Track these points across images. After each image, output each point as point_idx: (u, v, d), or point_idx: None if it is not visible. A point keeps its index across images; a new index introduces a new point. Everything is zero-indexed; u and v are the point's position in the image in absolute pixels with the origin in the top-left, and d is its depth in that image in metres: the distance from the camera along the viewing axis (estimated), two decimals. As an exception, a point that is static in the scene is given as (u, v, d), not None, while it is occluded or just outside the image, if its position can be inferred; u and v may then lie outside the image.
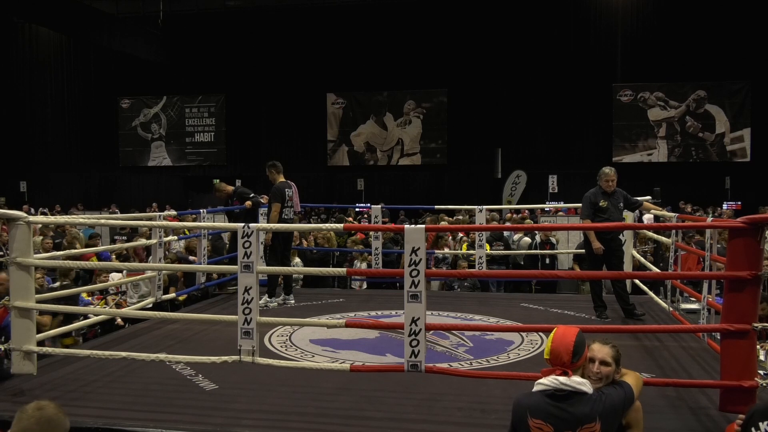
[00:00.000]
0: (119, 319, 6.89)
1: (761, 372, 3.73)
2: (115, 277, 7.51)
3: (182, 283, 8.12)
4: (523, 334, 5.76)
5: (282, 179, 7.47)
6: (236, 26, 24.17)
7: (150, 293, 7.53)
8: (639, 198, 7.18)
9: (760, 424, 2.66)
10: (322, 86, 23.91)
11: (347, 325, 4.45)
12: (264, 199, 8.42)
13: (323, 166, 24.26)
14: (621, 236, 7.04)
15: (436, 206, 10.36)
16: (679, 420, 3.87)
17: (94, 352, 4.70)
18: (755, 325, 3.62)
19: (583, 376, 2.92)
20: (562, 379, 2.59)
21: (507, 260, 9.80)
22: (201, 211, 8.70)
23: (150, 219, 7.89)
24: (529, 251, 9.87)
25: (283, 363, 4.52)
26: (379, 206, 9.63)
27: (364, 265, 9.56)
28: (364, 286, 9.70)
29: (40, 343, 4.65)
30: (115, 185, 25.84)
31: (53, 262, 6.05)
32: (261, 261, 6.41)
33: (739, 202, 20.57)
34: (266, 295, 7.22)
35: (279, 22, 23.75)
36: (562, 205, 15.62)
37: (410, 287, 3.95)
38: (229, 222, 8.64)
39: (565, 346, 2.66)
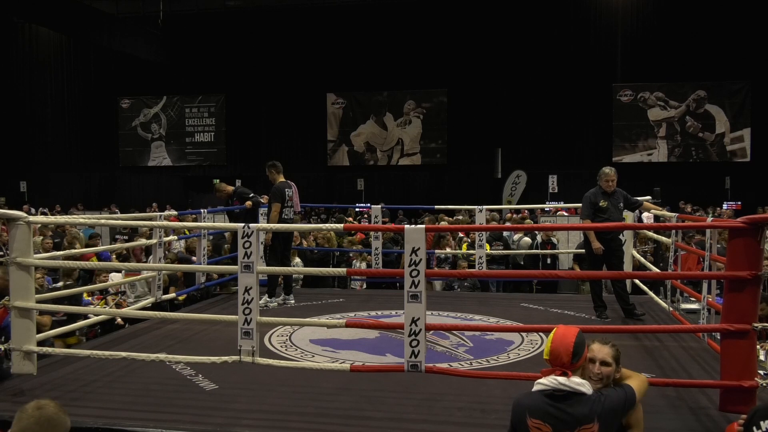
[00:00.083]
0: (119, 319, 6.89)
1: (761, 372, 3.73)
2: (114, 277, 7.51)
3: (182, 283, 8.12)
4: (523, 334, 5.76)
5: (282, 179, 7.47)
6: (236, 26, 24.18)
7: (146, 293, 7.56)
8: (639, 198, 7.18)
9: (762, 423, 2.66)
10: (322, 86, 23.91)
11: (347, 325, 4.45)
12: (264, 199, 8.42)
13: (323, 166, 24.26)
14: (621, 236, 7.04)
15: (436, 206, 10.36)
16: (679, 420, 3.87)
17: (94, 352, 4.70)
18: (755, 325, 3.62)
19: (583, 377, 2.93)
20: (561, 379, 2.59)
21: (507, 260, 9.80)
22: (201, 211, 8.70)
23: (150, 219, 7.89)
24: (529, 251, 9.88)
25: (283, 363, 4.52)
26: (379, 206, 9.63)
27: (363, 265, 9.56)
28: (364, 286, 9.70)
29: (41, 343, 4.65)
30: (115, 185, 25.84)
31: (53, 262, 6.05)
32: (261, 261, 6.41)
33: (739, 202, 20.57)
34: (266, 295, 7.22)
35: (279, 22, 23.75)
36: (562, 205, 15.62)
37: (410, 287, 3.95)
38: (230, 222, 8.64)
39: (565, 347, 2.66)
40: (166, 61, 24.15)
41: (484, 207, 8.79)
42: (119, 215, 13.58)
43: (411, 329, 3.96)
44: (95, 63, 25.78)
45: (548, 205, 17.22)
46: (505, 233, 10.04)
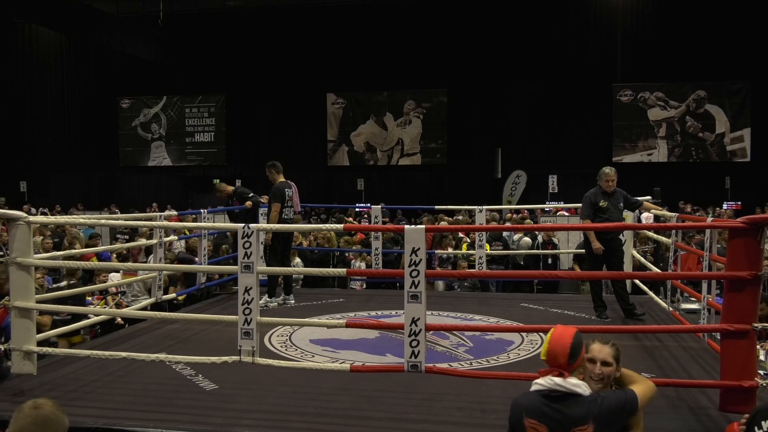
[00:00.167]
0: (119, 319, 6.89)
1: (761, 372, 3.74)
2: (114, 277, 7.51)
3: (182, 283, 8.12)
4: (523, 334, 5.76)
5: (282, 179, 7.47)
6: (236, 26, 24.18)
7: (143, 293, 7.57)
8: (639, 198, 7.18)
9: (763, 423, 2.67)
10: (322, 86, 23.91)
11: (347, 325, 4.45)
12: (264, 199, 8.42)
13: (323, 166, 24.26)
14: (621, 236, 7.04)
15: (436, 206, 10.36)
16: (679, 420, 3.87)
17: (94, 352, 4.70)
18: (755, 325, 3.62)
19: (584, 377, 2.92)
20: (558, 380, 2.58)
21: (507, 260, 9.80)
22: (201, 211, 8.70)
23: (150, 219, 7.89)
24: (529, 251, 9.87)
25: (283, 363, 4.52)
26: (379, 206, 9.64)
27: (362, 265, 9.56)
28: (364, 285, 9.70)
29: (41, 343, 4.65)
30: (115, 185, 25.84)
31: (53, 262, 6.05)
32: (261, 261, 6.41)
33: (739, 202, 20.57)
34: (266, 295, 7.22)
35: (279, 22, 23.75)
36: (562, 205, 15.61)
37: (410, 287, 3.95)
38: (230, 222, 8.64)
39: (562, 347, 2.64)
40: (166, 61, 24.15)
41: (484, 207, 8.80)
42: (119, 215, 13.58)
43: (411, 329, 3.96)
44: (95, 63, 25.78)
45: (548, 205, 17.21)
46: (504, 233, 10.04)
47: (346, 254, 10.06)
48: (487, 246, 8.93)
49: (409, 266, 3.96)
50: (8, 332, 4.48)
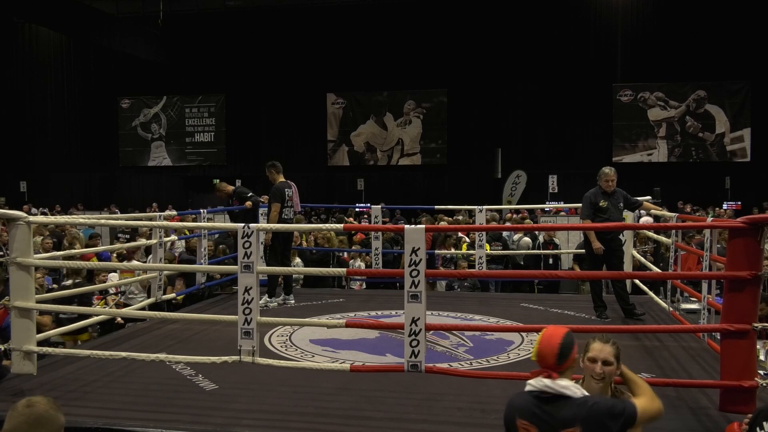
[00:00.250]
0: (119, 319, 6.90)
1: (761, 372, 3.74)
2: (114, 277, 7.51)
3: (183, 283, 8.11)
4: (523, 334, 5.76)
5: (282, 179, 7.47)
6: (236, 26, 24.17)
7: (141, 292, 7.57)
8: (639, 198, 7.18)
9: (765, 424, 2.67)
10: (322, 86, 23.91)
11: (347, 325, 4.46)
12: (264, 199, 8.42)
13: (323, 166, 24.26)
14: (621, 236, 7.04)
15: (436, 206, 10.36)
16: (679, 420, 3.87)
17: (94, 352, 4.70)
18: (755, 325, 3.62)
19: (585, 376, 2.92)
20: (547, 381, 2.55)
21: (506, 260, 9.79)
22: (201, 211, 8.69)
23: (150, 219, 7.89)
24: (529, 251, 9.87)
25: (283, 363, 4.52)
26: (380, 206, 9.63)
27: (362, 265, 9.55)
28: (363, 285, 9.70)
29: (41, 343, 4.65)
30: (115, 185, 25.84)
31: (53, 262, 6.05)
32: (261, 261, 6.41)
33: (739, 202, 20.56)
34: (266, 295, 7.22)
35: (279, 22, 23.75)
36: (563, 205, 15.61)
37: (410, 287, 3.95)
38: (231, 222, 8.63)
39: (551, 348, 2.60)
40: (166, 61, 24.15)
41: (484, 207, 8.79)
42: (119, 215, 13.57)
43: (411, 329, 3.96)
44: (95, 63, 25.77)
45: (548, 205, 17.21)
46: (504, 233, 10.04)
47: (340, 254, 10.03)
48: (487, 246, 8.93)
49: (409, 266, 3.96)
50: (8, 332, 4.48)
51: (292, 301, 7.52)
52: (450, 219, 12.24)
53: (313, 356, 5.21)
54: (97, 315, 6.10)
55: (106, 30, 21.41)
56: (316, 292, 8.47)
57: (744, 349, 3.64)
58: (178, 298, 7.64)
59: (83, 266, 6.63)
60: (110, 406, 4.15)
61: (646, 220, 8.26)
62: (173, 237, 7.82)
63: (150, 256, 7.34)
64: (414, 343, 3.97)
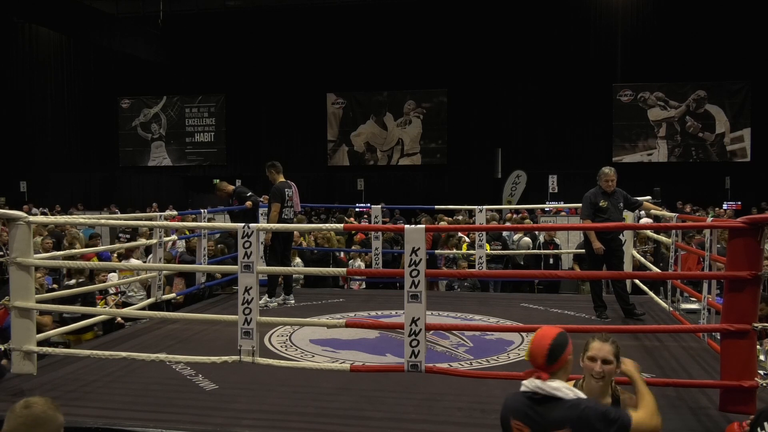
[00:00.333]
0: (119, 319, 6.89)
1: (761, 372, 3.73)
2: (114, 277, 7.51)
3: (183, 283, 8.10)
4: (523, 334, 5.75)
5: (282, 179, 7.47)
6: (236, 26, 24.17)
7: (140, 291, 7.58)
8: (639, 198, 7.18)
9: (766, 424, 2.67)
10: (322, 86, 23.91)
11: (347, 325, 4.46)
12: (264, 199, 8.41)
13: (323, 166, 24.26)
14: (621, 236, 7.04)
15: (436, 206, 10.35)
16: (679, 420, 3.87)
17: (94, 352, 4.70)
18: (755, 325, 3.62)
19: (585, 376, 2.92)
20: (538, 382, 2.54)
21: (506, 260, 9.79)
22: (201, 211, 8.69)
23: (150, 219, 7.89)
24: (529, 251, 9.87)
25: (283, 363, 4.52)
26: (380, 206, 9.63)
27: (362, 265, 9.55)
28: (363, 285, 9.69)
29: (41, 343, 4.65)
30: (115, 185, 25.84)
31: (53, 262, 6.05)
32: (261, 261, 6.41)
33: (739, 202, 20.56)
34: (266, 295, 7.22)
35: (279, 22, 23.75)
36: (563, 205, 15.61)
37: (410, 287, 3.95)
38: (231, 221, 8.63)
39: (541, 349, 2.58)
40: (166, 61, 24.14)
41: (484, 207, 8.80)
42: (119, 215, 13.57)
43: (411, 329, 3.96)
44: (95, 63, 25.77)
45: (548, 205, 17.21)
46: (504, 233, 10.04)
47: (338, 254, 10.03)
48: (487, 246, 8.94)
49: (409, 266, 3.96)
50: (9, 333, 4.48)
51: (292, 301, 7.52)
52: (450, 219, 12.24)
53: (313, 356, 5.21)
54: (97, 315, 6.10)
55: (106, 30, 21.41)
56: (316, 292, 8.47)
57: (744, 349, 3.64)
58: (178, 298, 7.65)
59: (83, 266, 6.63)
60: (110, 406, 4.15)
61: (646, 220, 8.26)
62: (173, 237, 7.82)
63: (150, 256, 7.34)
64: (414, 343, 3.97)
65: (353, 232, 10.66)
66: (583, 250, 7.24)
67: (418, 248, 3.95)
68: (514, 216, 13.50)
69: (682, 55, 21.15)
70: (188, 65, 24.59)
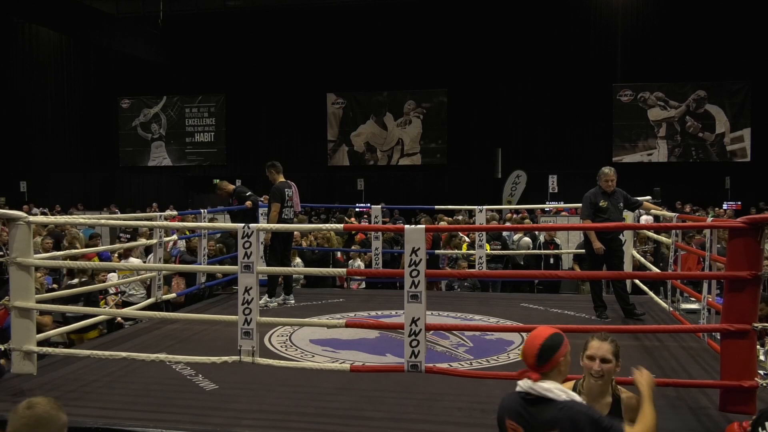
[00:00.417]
0: (119, 318, 6.90)
1: (761, 372, 3.73)
2: (113, 277, 7.51)
3: (183, 283, 8.10)
4: (523, 334, 5.73)
5: (282, 179, 7.46)
6: (236, 26, 24.17)
7: (140, 292, 7.58)
8: (639, 198, 7.18)
9: (767, 424, 2.67)
10: (322, 86, 23.91)
11: (347, 325, 4.45)
12: (264, 199, 8.41)
13: (323, 166, 24.26)
14: (621, 236, 7.04)
15: (436, 206, 10.34)
16: (679, 420, 3.87)
17: (94, 352, 4.70)
18: (755, 325, 3.62)
19: (584, 375, 2.91)
20: (529, 383, 2.54)
21: (506, 260, 9.79)
22: (201, 211, 8.69)
23: (150, 219, 7.89)
24: (529, 251, 9.87)
25: (283, 363, 4.52)
26: (380, 206, 9.63)
27: (361, 265, 9.54)
28: (363, 285, 9.69)
29: (41, 343, 4.65)
30: (115, 185, 25.84)
31: (53, 262, 6.05)
32: (261, 261, 6.41)
33: (739, 202, 20.56)
34: (266, 295, 7.22)
35: (279, 22, 23.75)
36: (563, 205, 15.61)
37: (410, 287, 3.95)
38: (231, 221, 8.62)
39: (532, 349, 2.57)
40: (166, 61, 24.14)
41: (484, 207, 8.79)
42: (119, 215, 13.57)
43: (411, 329, 3.96)
44: (95, 63, 25.77)
45: (548, 205, 17.21)
46: (504, 233, 10.04)
47: (337, 254, 10.02)
48: (487, 246, 8.94)
49: (409, 266, 3.96)
50: (9, 333, 4.48)
51: (292, 301, 7.52)
52: (450, 219, 12.25)
53: (313, 356, 5.21)
54: (96, 315, 6.10)
55: (106, 30, 21.40)
56: (316, 292, 8.47)
57: (744, 349, 3.64)
58: (178, 298, 7.64)
59: (82, 266, 6.63)
60: (110, 406, 4.15)
61: (646, 219, 8.26)
62: (174, 237, 7.82)
63: (150, 256, 7.34)
64: (414, 343, 3.97)
65: (353, 232, 10.65)
66: (583, 250, 7.24)
67: (418, 248, 3.95)
68: (514, 216, 13.50)
69: (682, 55, 21.15)
70: (188, 65, 24.59)
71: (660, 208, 7.39)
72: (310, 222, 15.71)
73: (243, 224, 4.25)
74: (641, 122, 22.02)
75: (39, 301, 4.77)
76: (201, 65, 24.62)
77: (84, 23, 20.73)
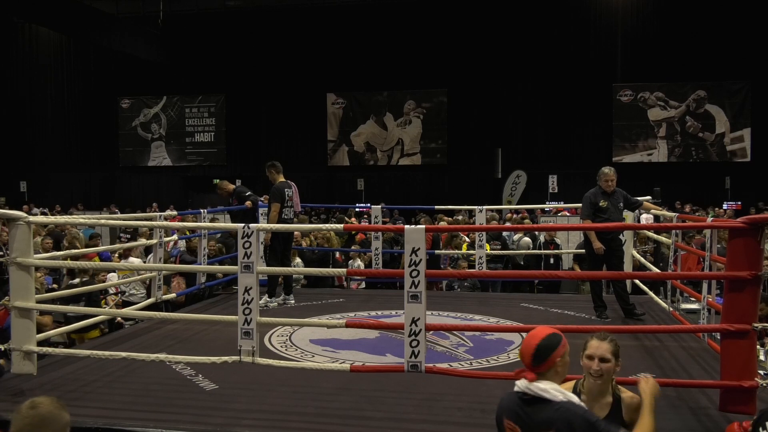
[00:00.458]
0: (119, 318, 6.90)
1: (761, 372, 3.73)
2: (113, 277, 7.52)
3: (184, 283, 8.10)
4: (523, 334, 5.72)
5: (282, 179, 7.46)
6: (236, 26, 24.18)
7: (140, 291, 7.58)
8: (639, 198, 7.18)
9: (767, 424, 2.67)
10: (322, 86, 23.92)
11: (347, 325, 4.45)
12: (264, 199, 8.41)
13: (323, 166, 24.26)
14: (621, 236, 7.04)
15: (436, 206, 10.34)
16: (679, 420, 3.87)
17: (94, 352, 4.70)
18: (755, 325, 3.62)
19: (584, 374, 2.91)
20: (525, 383, 2.54)
21: (506, 260, 9.79)
22: (201, 211, 8.69)
23: (150, 219, 7.89)
24: (529, 251, 9.87)
25: (283, 363, 4.52)
26: (380, 206, 9.63)
27: (361, 264, 9.55)
28: (363, 285, 9.69)
29: (41, 343, 4.65)
30: (115, 185, 25.85)
31: (53, 262, 6.05)
32: (261, 261, 6.41)
33: (739, 202, 20.57)
34: (266, 295, 7.22)
35: (279, 22, 23.75)
36: (564, 205, 15.61)
37: (410, 287, 3.95)
38: (231, 221, 8.62)
39: (528, 349, 2.56)
40: (166, 61, 24.14)
41: (484, 207, 8.79)
42: (119, 215, 13.58)
43: (411, 329, 3.96)
44: (95, 63, 25.78)
45: (548, 205, 17.21)
46: (504, 233, 10.04)
47: (337, 254, 10.02)
48: (487, 246, 8.94)
49: (409, 266, 3.96)
50: (8, 333, 4.49)
51: (292, 301, 7.52)
52: (450, 219, 12.24)
53: (313, 356, 5.21)
54: (96, 315, 6.10)
55: (106, 30, 21.41)
56: (316, 292, 8.47)
57: (744, 349, 3.64)
58: (179, 298, 7.64)
59: (82, 266, 6.63)
60: (110, 406, 4.15)
61: (646, 219, 8.27)
62: (174, 237, 7.82)
63: (150, 256, 7.34)
64: (414, 343, 3.97)
65: (353, 232, 10.66)
66: (583, 250, 7.23)
67: (418, 248, 3.95)
68: (514, 216, 13.50)
69: (682, 55, 21.16)
70: (188, 65, 24.60)
71: (660, 208, 7.39)
72: (310, 222, 15.70)
73: (243, 224, 4.25)
74: (641, 122, 22.03)
75: (39, 301, 4.77)
76: (201, 65, 24.63)
77: (84, 23, 20.73)
